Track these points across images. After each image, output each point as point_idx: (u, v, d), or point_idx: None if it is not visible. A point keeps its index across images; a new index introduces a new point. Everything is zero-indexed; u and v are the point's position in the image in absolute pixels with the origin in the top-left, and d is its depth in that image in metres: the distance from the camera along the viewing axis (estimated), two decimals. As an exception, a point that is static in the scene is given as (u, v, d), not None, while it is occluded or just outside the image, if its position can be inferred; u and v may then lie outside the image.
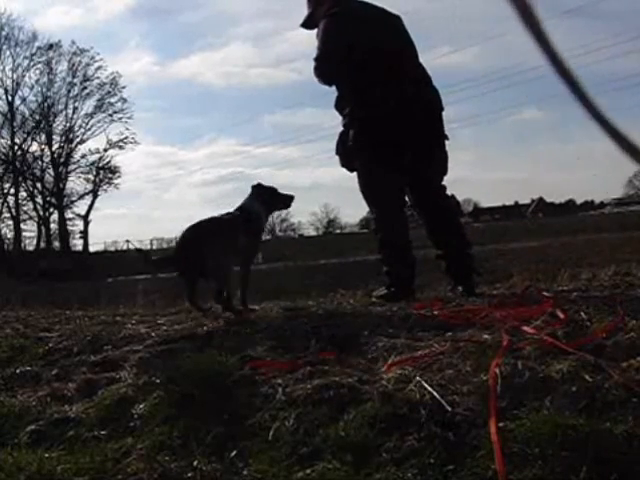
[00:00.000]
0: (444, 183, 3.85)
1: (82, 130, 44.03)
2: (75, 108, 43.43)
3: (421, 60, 3.91)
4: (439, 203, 3.82)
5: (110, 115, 43.84)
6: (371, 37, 3.73)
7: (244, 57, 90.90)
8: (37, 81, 42.69)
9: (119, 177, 45.23)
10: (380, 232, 3.81)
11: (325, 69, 3.78)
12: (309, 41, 4.02)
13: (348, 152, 3.81)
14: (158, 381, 2.25)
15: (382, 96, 3.69)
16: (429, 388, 1.85)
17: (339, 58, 3.72)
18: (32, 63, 42.41)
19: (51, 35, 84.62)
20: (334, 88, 3.88)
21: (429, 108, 3.79)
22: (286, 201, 3.92)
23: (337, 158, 3.92)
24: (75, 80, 42.98)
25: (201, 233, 3.39)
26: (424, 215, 3.88)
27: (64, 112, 43.42)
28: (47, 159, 43.78)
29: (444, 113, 3.88)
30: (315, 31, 3.86)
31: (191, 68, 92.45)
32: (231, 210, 3.66)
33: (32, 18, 74.44)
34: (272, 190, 3.85)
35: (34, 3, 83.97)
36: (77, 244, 46.24)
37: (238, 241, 3.48)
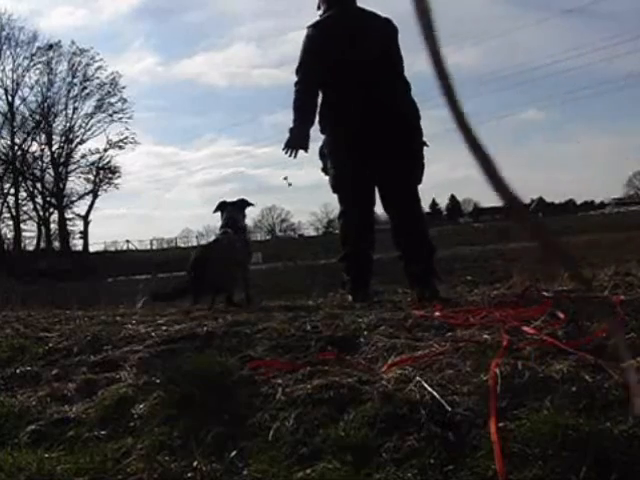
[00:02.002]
0: (421, 187, 3.95)
1: (82, 130, 44.10)
2: (75, 108, 43.51)
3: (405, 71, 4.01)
4: (405, 209, 3.91)
5: (110, 115, 43.92)
6: (339, 49, 3.86)
7: (247, 57, 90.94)
8: (37, 81, 42.78)
9: (119, 177, 45.30)
10: (342, 233, 4.05)
11: (299, 79, 3.99)
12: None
13: (321, 156, 4.06)
14: (158, 381, 2.25)
15: (349, 105, 3.86)
16: (429, 388, 1.85)
17: (312, 68, 3.94)
18: (32, 63, 42.48)
19: (56, 36, 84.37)
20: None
21: (402, 119, 3.88)
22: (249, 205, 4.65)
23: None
24: (75, 80, 43.07)
25: (209, 262, 4.06)
26: (390, 219, 3.98)
27: (64, 112, 43.51)
28: (47, 159, 43.85)
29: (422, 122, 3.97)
30: None
31: (194, 68, 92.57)
32: (223, 223, 4.42)
33: (37, 19, 74.65)
34: (245, 202, 4.61)
35: (39, 4, 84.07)
36: (77, 244, 46.29)
37: (236, 256, 4.21)
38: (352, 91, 3.85)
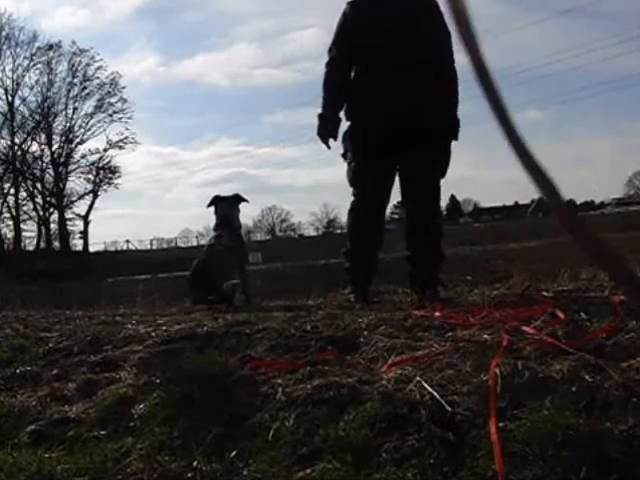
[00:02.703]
0: (442, 188, 3.79)
1: (82, 130, 44.16)
2: (75, 108, 43.58)
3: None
4: (424, 204, 3.76)
5: (110, 115, 43.99)
6: (375, 32, 3.64)
7: (249, 57, 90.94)
8: (37, 81, 42.86)
9: (119, 177, 45.31)
10: (351, 227, 3.89)
11: (330, 57, 3.76)
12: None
13: (343, 141, 3.84)
14: (158, 381, 2.25)
15: (382, 91, 3.63)
16: (429, 388, 1.85)
17: (345, 47, 3.71)
18: (32, 63, 42.58)
19: (58, 36, 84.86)
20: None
21: (438, 109, 3.66)
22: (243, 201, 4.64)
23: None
24: (75, 80, 43.15)
25: (206, 276, 4.10)
26: (407, 214, 3.88)
27: (64, 112, 43.58)
28: (47, 159, 43.90)
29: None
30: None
31: (196, 68, 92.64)
32: (217, 221, 4.44)
33: (39, 19, 74.54)
34: (240, 197, 4.62)
35: (41, 4, 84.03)
36: (77, 244, 46.31)
37: (231, 262, 4.29)
38: (386, 77, 3.62)
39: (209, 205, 4.50)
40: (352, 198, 3.88)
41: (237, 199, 4.56)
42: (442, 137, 3.75)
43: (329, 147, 3.77)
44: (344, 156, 3.91)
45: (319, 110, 3.79)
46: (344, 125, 3.84)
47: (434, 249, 3.79)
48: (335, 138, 3.78)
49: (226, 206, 4.45)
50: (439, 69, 3.71)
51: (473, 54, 0.60)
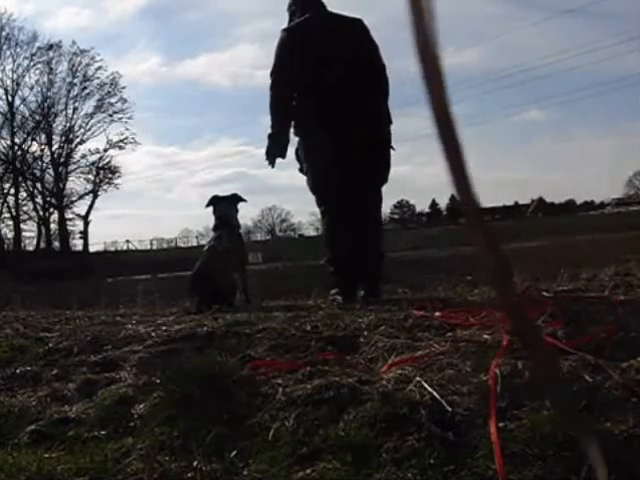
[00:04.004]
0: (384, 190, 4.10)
1: (82, 130, 44.02)
2: (75, 108, 43.43)
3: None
4: (366, 208, 4.03)
5: (110, 115, 43.83)
6: (313, 53, 3.97)
7: (251, 58, 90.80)
8: (37, 81, 42.69)
9: (119, 177, 45.25)
10: (325, 234, 4.15)
11: (273, 82, 4.06)
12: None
13: (297, 157, 4.14)
14: (158, 381, 2.25)
15: (321, 108, 3.91)
16: (429, 388, 1.85)
17: (286, 72, 4.00)
18: (32, 63, 42.40)
19: (61, 37, 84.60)
20: None
21: (373, 121, 3.99)
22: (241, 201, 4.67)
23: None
24: (75, 80, 42.98)
25: (207, 279, 4.14)
26: (350, 217, 4.04)
27: (64, 112, 43.43)
28: (47, 159, 43.80)
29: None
30: None
31: (198, 69, 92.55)
32: (216, 221, 4.45)
33: (43, 19, 74.36)
34: (238, 197, 4.64)
35: (45, 4, 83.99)
36: (77, 244, 46.28)
37: (231, 262, 4.29)
38: (325, 94, 3.91)
39: (207, 205, 4.52)
40: (319, 207, 4.15)
41: (235, 199, 4.58)
42: (380, 146, 4.05)
43: (273, 166, 4.08)
44: (301, 170, 4.17)
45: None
46: (294, 142, 4.14)
47: (376, 248, 4.07)
48: (283, 157, 4.08)
49: (224, 206, 4.47)
50: (372, 81, 4.04)
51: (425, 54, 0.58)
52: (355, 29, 4.13)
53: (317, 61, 3.96)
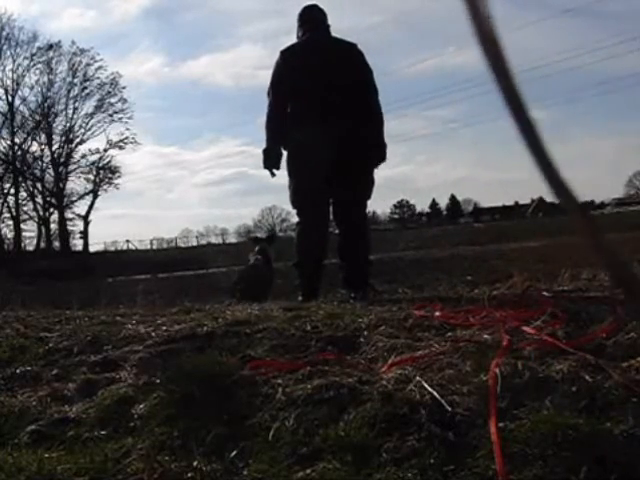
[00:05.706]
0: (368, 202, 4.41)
1: (82, 130, 43.96)
2: (75, 108, 43.38)
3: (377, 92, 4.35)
4: (353, 221, 4.36)
5: (110, 115, 43.78)
6: (306, 75, 4.22)
7: (254, 58, 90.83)
8: (37, 81, 42.62)
9: (119, 177, 45.22)
10: (298, 243, 4.41)
11: (270, 101, 4.29)
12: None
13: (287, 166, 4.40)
14: (158, 381, 2.25)
15: (310, 125, 4.16)
16: (429, 388, 1.85)
17: (282, 92, 4.28)
18: (32, 63, 42.33)
19: (65, 37, 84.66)
20: None
21: (360, 141, 4.22)
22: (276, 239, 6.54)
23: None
24: (75, 80, 42.92)
25: (250, 279, 5.58)
26: (339, 229, 4.43)
27: (64, 112, 43.38)
28: (47, 159, 43.74)
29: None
30: None
31: (200, 69, 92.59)
32: (257, 251, 5.94)
33: (47, 20, 74.31)
34: (274, 236, 6.83)
35: (50, 5, 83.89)
36: (77, 244, 46.26)
37: (265, 276, 5.74)
38: (315, 113, 4.17)
39: (253, 245, 6.15)
40: (297, 218, 4.46)
41: (272, 238, 6.38)
42: (367, 164, 4.33)
43: (274, 175, 4.42)
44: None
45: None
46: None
47: (364, 259, 4.37)
48: (278, 168, 4.41)
49: (264, 243, 6.07)
50: (362, 101, 4.26)
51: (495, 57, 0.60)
52: (350, 53, 4.34)
53: (311, 83, 4.20)
